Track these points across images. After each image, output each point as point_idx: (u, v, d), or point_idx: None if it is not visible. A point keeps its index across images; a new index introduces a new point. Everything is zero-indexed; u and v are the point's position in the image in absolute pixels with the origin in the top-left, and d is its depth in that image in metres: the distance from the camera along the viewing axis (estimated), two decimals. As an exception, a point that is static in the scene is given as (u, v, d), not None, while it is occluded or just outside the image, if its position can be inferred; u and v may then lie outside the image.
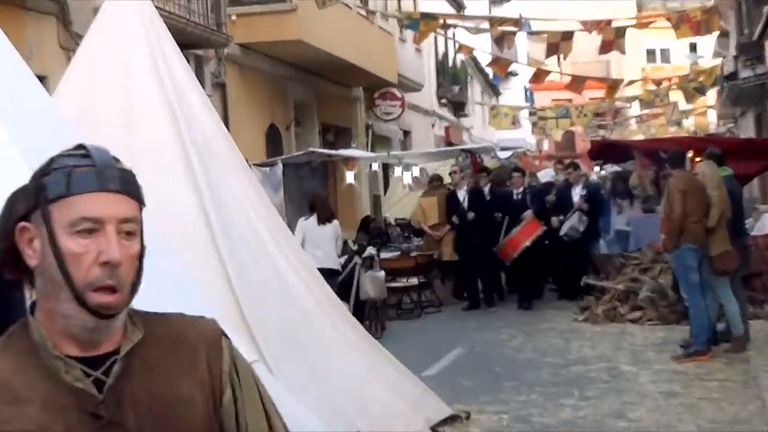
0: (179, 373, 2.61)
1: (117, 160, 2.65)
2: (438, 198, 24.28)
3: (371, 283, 20.03)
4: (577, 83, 31.98)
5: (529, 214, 22.47)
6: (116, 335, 2.58)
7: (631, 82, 37.21)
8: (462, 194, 23.60)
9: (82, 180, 2.51)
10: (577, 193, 23.28)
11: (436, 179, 25.37)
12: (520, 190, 23.75)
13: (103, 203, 2.51)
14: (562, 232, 22.18)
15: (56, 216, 2.51)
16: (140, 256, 2.59)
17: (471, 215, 22.74)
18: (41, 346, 2.53)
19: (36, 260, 2.55)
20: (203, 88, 12.56)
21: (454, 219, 23.03)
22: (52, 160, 2.58)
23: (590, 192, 23.73)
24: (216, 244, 9.46)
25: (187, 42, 17.31)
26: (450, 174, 25.31)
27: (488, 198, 23.78)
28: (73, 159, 2.56)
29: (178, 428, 2.57)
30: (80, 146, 2.63)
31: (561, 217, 22.71)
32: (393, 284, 23.05)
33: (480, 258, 23.01)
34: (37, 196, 2.54)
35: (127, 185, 2.58)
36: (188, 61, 11.35)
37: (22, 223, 2.56)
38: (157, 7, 11.35)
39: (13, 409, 2.44)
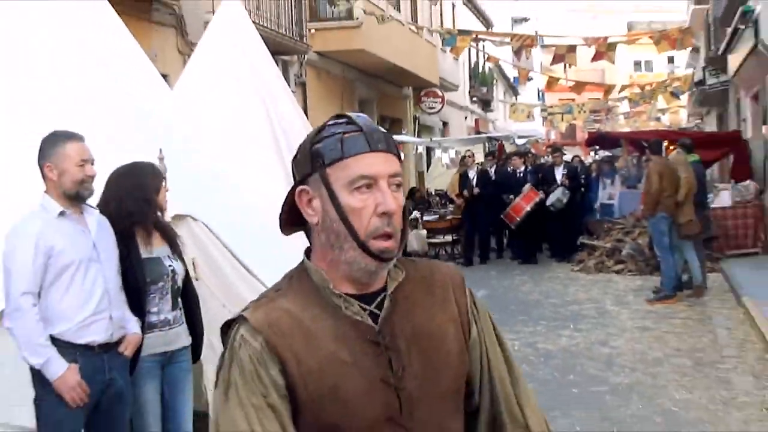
0: (434, 309, 2.49)
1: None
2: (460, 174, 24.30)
3: (416, 239, 21.33)
4: (579, 87, 31.81)
5: (527, 186, 22.46)
6: (383, 276, 2.47)
7: (623, 88, 37.03)
8: (472, 173, 23.67)
9: (353, 143, 2.38)
10: (560, 173, 23.25)
11: (464, 159, 25.34)
12: (522, 169, 23.67)
13: (375, 162, 2.38)
14: (549, 202, 22.13)
15: (334, 177, 2.38)
16: (405, 206, 2.47)
17: (476, 191, 22.86)
18: (322, 287, 2.43)
19: (317, 218, 2.43)
20: (288, 86, 12.62)
21: (465, 193, 23.09)
22: (320, 130, 2.46)
23: (570, 171, 23.72)
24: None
25: (276, 49, 17.33)
26: (463, 158, 25.33)
27: (493, 177, 23.90)
28: (340, 127, 2.43)
29: (436, 355, 2.45)
30: (341, 115, 2.51)
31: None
32: (432, 240, 24.00)
33: (478, 225, 23.31)
34: (313, 162, 2.41)
35: (391, 145, 2.45)
36: (277, 65, 11.41)
37: (301, 187, 2.45)
38: (253, 22, 11.42)
39: (309, 343, 2.36)
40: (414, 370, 2.41)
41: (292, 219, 2.54)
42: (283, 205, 2.55)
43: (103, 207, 5.99)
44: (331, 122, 2.47)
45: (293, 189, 2.47)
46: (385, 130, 2.49)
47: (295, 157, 2.54)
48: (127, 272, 5.91)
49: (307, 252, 2.52)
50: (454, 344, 2.48)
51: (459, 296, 2.54)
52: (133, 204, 6.01)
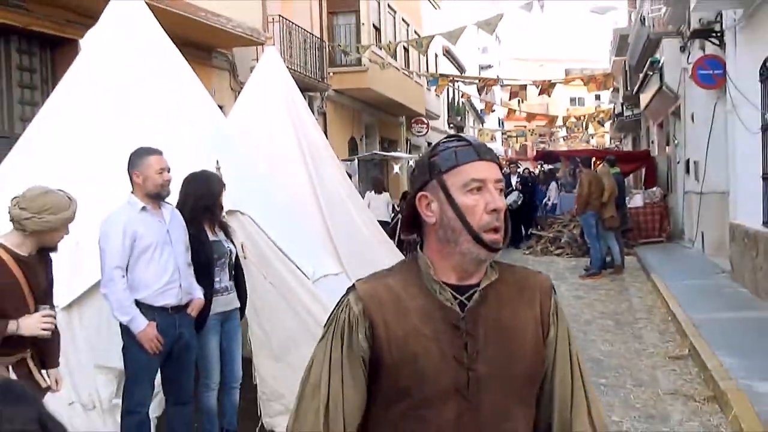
0: (520, 308, 2.32)
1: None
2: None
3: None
4: (530, 117, 31.90)
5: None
6: (481, 273, 2.31)
7: (564, 119, 37.19)
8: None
9: (466, 154, 2.26)
10: (514, 180, 23.34)
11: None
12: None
13: (484, 168, 2.26)
14: (506, 203, 22.04)
15: (450, 182, 2.25)
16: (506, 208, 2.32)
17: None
18: (425, 273, 2.30)
19: (435, 218, 2.28)
20: (313, 114, 12.60)
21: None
22: (435, 146, 2.35)
23: (522, 180, 23.92)
24: (321, 208, 9.53)
25: (304, 87, 17.35)
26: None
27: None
28: (452, 142, 2.32)
29: (512, 345, 2.27)
30: (452, 135, 2.41)
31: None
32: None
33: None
34: (431, 171, 2.28)
35: (494, 156, 2.32)
36: (304, 99, 11.40)
37: (421, 193, 2.31)
38: (287, 67, 11.41)
39: (400, 315, 2.24)
40: (487, 355, 2.24)
41: (411, 221, 2.40)
42: (403, 211, 2.45)
43: (182, 202, 6.10)
44: (444, 140, 2.37)
45: (413, 196, 2.34)
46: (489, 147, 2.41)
47: (412, 171, 2.45)
48: (199, 251, 5.98)
49: (421, 246, 2.37)
50: (531, 339, 2.31)
51: (544, 300, 2.37)
52: (205, 201, 6.12)
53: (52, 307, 4.85)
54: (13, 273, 4.55)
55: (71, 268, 5.75)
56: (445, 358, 2.22)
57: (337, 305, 2.34)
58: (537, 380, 2.34)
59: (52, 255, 4.83)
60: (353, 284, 2.36)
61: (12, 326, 4.47)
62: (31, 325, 4.53)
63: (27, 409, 2.63)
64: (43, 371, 4.85)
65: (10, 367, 4.57)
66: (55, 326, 4.87)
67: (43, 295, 4.69)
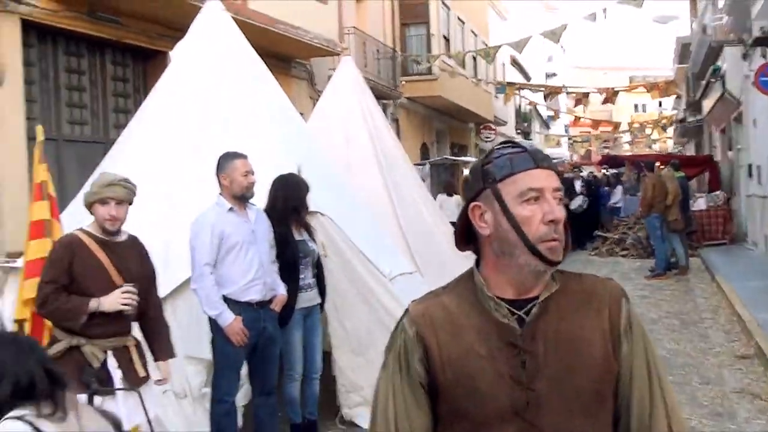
0: (585, 319, 2.07)
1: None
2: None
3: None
4: (595, 124, 31.57)
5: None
6: (542, 285, 2.08)
7: (629, 125, 36.75)
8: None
9: (522, 161, 2.05)
10: (578, 185, 22.96)
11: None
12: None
13: (541, 177, 2.04)
14: (572, 207, 21.74)
15: (505, 191, 2.03)
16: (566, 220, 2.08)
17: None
18: (479, 289, 2.08)
19: (489, 229, 2.07)
20: (387, 121, 12.63)
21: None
22: (489, 153, 2.12)
23: (586, 183, 23.66)
24: (395, 210, 9.52)
25: (378, 95, 17.37)
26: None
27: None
28: (507, 149, 2.10)
29: (574, 357, 2.03)
30: (507, 141, 2.17)
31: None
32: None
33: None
34: (484, 180, 2.07)
35: (552, 163, 2.10)
36: (378, 106, 11.44)
37: (474, 203, 2.10)
38: (363, 76, 11.46)
39: (454, 334, 2.06)
40: (548, 373, 2.02)
41: (464, 233, 2.19)
42: (456, 225, 2.22)
43: (271, 203, 6.19)
44: (498, 146, 2.14)
45: (465, 207, 2.13)
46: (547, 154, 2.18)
47: (465, 180, 2.24)
48: (286, 250, 6.05)
49: (477, 262, 2.16)
50: (598, 351, 2.06)
51: (614, 311, 2.11)
52: (293, 202, 6.21)
53: (152, 293, 4.92)
54: (96, 255, 4.63)
55: (163, 266, 5.85)
56: (502, 377, 2.03)
57: (394, 328, 2.18)
58: (606, 396, 2.09)
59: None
60: (408, 306, 2.18)
61: (93, 303, 4.54)
62: (111, 301, 4.57)
63: (31, 356, 2.74)
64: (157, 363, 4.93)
65: (110, 352, 4.62)
66: (164, 319, 4.96)
67: (137, 280, 4.72)
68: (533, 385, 2.01)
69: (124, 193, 4.68)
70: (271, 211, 6.07)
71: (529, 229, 2.01)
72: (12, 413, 2.60)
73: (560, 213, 2.03)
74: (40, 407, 2.67)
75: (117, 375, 4.59)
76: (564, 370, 2.03)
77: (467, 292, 2.12)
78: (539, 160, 2.06)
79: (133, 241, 4.88)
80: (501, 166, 2.06)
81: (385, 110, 22.33)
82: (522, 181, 2.03)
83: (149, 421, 4.48)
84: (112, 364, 4.60)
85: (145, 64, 13.63)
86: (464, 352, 2.05)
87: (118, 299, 4.58)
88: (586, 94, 28.21)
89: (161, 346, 4.96)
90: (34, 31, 11.51)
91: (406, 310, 2.15)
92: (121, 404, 4.51)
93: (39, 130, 5.88)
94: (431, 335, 2.07)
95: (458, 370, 2.04)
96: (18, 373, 2.65)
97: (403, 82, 24.79)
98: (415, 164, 17.75)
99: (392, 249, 7.82)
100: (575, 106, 29.87)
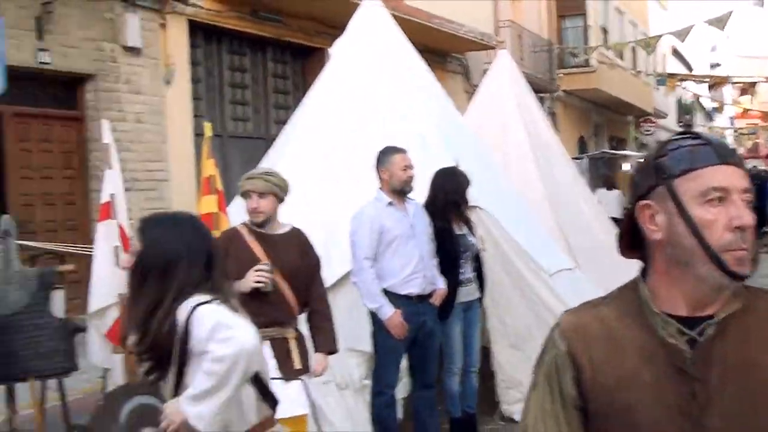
0: None
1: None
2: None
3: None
4: (764, 114, 30.28)
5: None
6: (720, 301, 1.75)
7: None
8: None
9: (704, 155, 1.73)
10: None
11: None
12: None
13: (727, 174, 1.72)
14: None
15: (682, 189, 1.72)
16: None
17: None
18: (644, 303, 1.78)
19: (661, 233, 1.75)
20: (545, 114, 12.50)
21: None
22: (663, 145, 1.82)
23: (754, 177, 22.40)
24: (552, 205, 9.39)
25: (535, 89, 17.12)
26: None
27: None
28: (686, 140, 1.78)
29: (760, 394, 1.69)
30: (686, 132, 1.84)
31: None
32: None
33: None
34: (657, 175, 1.76)
35: (740, 160, 1.78)
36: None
37: (643, 201, 1.78)
38: (523, 72, 11.38)
39: (613, 354, 1.76)
40: (724, 407, 1.70)
41: (629, 239, 1.89)
42: (619, 227, 1.94)
43: (432, 197, 6.18)
44: (675, 137, 1.84)
45: (632, 207, 1.83)
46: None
47: (632, 176, 1.91)
48: (447, 244, 6.05)
49: (643, 271, 1.85)
50: None
51: None
52: (453, 196, 6.18)
53: (315, 285, 4.97)
54: (250, 247, 4.72)
55: (324, 260, 5.98)
56: (667, 409, 1.72)
57: (545, 341, 1.90)
58: None
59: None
60: (560, 317, 1.91)
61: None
62: (245, 281, 4.59)
63: (176, 231, 2.87)
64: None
65: (267, 342, 4.57)
66: (327, 312, 4.99)
67: (294, 272, 4.75)
68: (704, 421, 1.70)
69: (264, 186, 4.73)
70: (431, 205, 6.09)
71: (710, 235, 1.70)
72: (196, 298, 2.80)
73: (749, 218, 1.71)
74: (220, 294, 2.85)
75: (271, 364, 4.57)
76: (744, 404, 1.70)
77: (631, 306, 1.82)
78: (726, 155, 1.75)
79: (295, 233, 4.93)
80: (679, 159, 1.76)
81: (541, 104, 22.08)
82: (704, 178, 1.72)
83: (314, 411, 4.57)
84: (268, 353, 4.65)
85: (304, 61, 13.97)
86: (623, 376, 1.76)
87: (252, 277, 4.60)
88: (753, 84, 27.04)
89: (320, 339, 4.96)
90: (200, 32, 11.98)
91: (558, 322, 1.89)
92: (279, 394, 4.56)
93: (207, 126, 6.10)
94: (583, 353, 1.79)
95: (613, 397, 1.75)
96: (201, 250, 2.84)
97: (560, 75, 24.47)
98: (572, 158, 17.50)
99: (551, 245, 7.71)
100: (741, 96, 28.72)
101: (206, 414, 2.73)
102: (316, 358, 4.94)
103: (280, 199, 4.83)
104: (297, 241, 4.93)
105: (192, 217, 3.20)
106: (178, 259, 2.83)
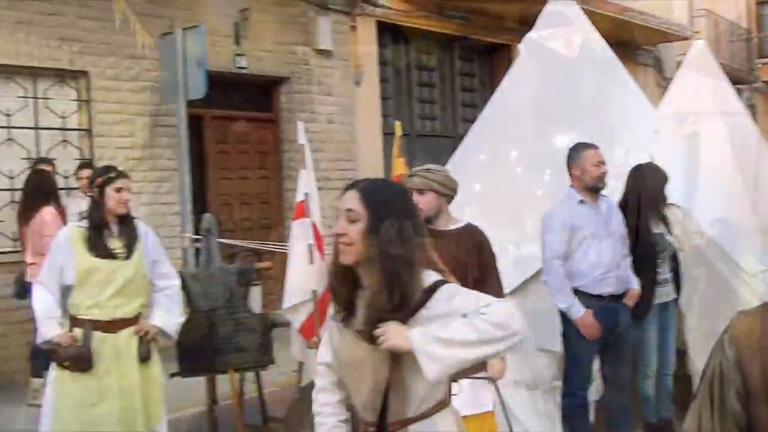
0: None
1: None
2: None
3: None
4: None
5: None
6: None
7: None
8: None
9: None
10: None
11: None
12: None
13: None
14: None
15: None
16: None
17: None
18: None
19: None
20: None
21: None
22: None
23: None
24: (753, 200, 8.95)
25: (732, 80, 16.47)
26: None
27: None
28: None
29: None
30: None
31: None
32: None
33: None
34: None
35: None
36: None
37: None
38: (720, 63, 10.93)
39: None
40: None
41: None
42: None
43: (628, 194, 6.08)
44: None
45: None
46: None
47: None
48: (643, 243, 5.93)
49: None
50: None
51: None
52: (650, 193, 6.07)
53: (488, 284, 4.83)
54: None
55: (515, 259, 5.96)
56: None
57: (714, 346, 1.70)
58: None
59: None
60: (731, 319, 1.69)
61: None
62: None
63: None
64: None
65: None
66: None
67: (464, 268, 4.57)
68: None
69: (422, 183, 4.67)
70: (626, 202, 5.95)
71: None
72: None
73: None
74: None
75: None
76: None
77: None
78: None
79: (468, 229, 4.79)
80: None
81: (739, 95, 21.16)
82: None
83: (504, 410, 4.55)
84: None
85: (490, 59, 13.96)
86: None
87: None
88: None
89: None
90: (387, 32, 12.19)
91: (730, 324, 1.68)
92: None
93: (398, 126, 6.19)
94: (754, 362, 1.57)
95: None
96: None
97: (759, 65, 23.36)
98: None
99: (752, 243, 7.35)
100: None
101: (442, 358, 2.37)
102: (490, 362, 4.86)
103: (443, 195, 4.72)
104: (471, 238, 4.80)
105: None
106: None
